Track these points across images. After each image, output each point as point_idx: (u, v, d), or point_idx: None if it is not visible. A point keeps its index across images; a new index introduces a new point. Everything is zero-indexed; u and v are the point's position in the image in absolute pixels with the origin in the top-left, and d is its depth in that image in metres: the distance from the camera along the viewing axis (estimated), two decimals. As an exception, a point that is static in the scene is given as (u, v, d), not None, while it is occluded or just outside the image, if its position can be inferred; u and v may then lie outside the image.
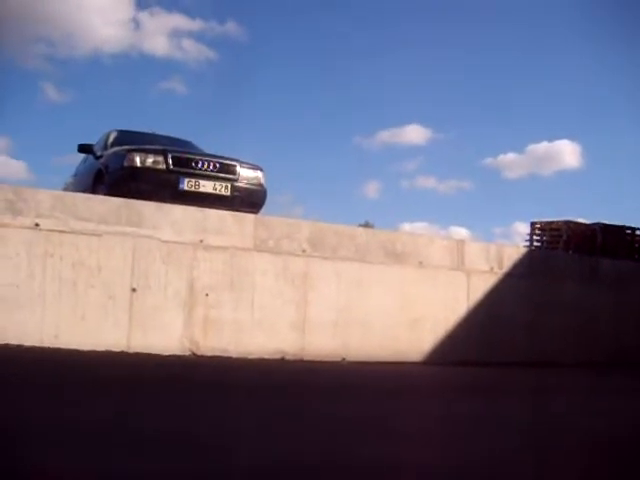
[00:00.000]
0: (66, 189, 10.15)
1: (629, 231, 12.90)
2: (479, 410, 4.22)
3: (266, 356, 7.34)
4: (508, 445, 2.94)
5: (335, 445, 2.78)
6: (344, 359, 7.76)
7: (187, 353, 7.03)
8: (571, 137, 49.96)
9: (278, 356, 7.43)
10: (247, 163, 8.61)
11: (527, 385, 6.46)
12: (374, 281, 8.18)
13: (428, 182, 47.76)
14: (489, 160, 53.47)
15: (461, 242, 9.07)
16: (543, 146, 47.25)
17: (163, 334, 7.00)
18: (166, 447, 2.60)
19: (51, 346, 6.31)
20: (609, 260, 10.87)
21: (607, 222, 12.63)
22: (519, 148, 65.75)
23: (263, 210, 8.78)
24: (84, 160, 10.02)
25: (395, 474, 2.26)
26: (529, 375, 7.66)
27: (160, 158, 8.04)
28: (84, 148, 9.40)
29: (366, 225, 18.28)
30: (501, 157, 55.42)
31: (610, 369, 8.71)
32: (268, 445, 2.73)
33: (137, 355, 6.60)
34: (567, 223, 12.32)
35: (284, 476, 2.26)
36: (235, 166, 8.44)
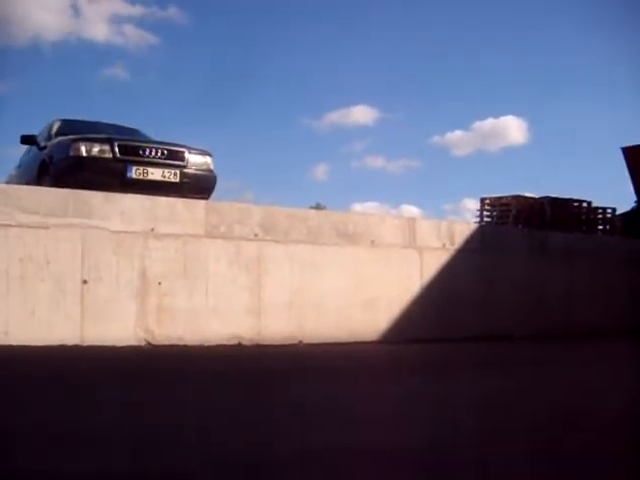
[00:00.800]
0: (9, 182, 9.92)
1: (576, 204, 13.17)
2: (431, 387, 4.27)
3: (223, 342, 7.31)
4: (459, 422, 2.98)
5: (295, 429, 2.79)
6: (301, 342, 7.77)
7: (142, 343, 6.97)
8: (516, 113, 50.64)
9: (235, 342, 7.41)
10: (195, 149, 8.52)
11: (478, 360, 6.56)
12: (327, 262, 8.20)
13: (377, 162, 48.00)
14: (436, 138, 53.95)
15: (412, 220, 9.14)
16: (489, 122, 47.87)
17: (117, 325, 6.91)
18: (134, 439, 2.58)
19: (1, 343, 6.19)
20: (558, 233, 11.08)
21: (554, 196, 12.88)
22: (465, 125, 66.38)
23: (213, 196, 8.73)
24: (27, 151, 9.81)
25: (349, 456, 2.28)
26: (481, 350, 7.77)
27: (106, 147, 7.90)
28: (27, 139, 9.18)
29: (317, 207, 18.32)
30: (448, 135, 55.95)
31: (561, 341, 8.89)
32: (236, 436, 2.72)
33: (90, 348, 6.51)
34: (516, 198, 12.51)
35: (247, 467, 2.26)
36: (183, 152, 8.35)
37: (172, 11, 42.26)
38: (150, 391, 3.96)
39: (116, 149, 7.92)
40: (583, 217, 13.20)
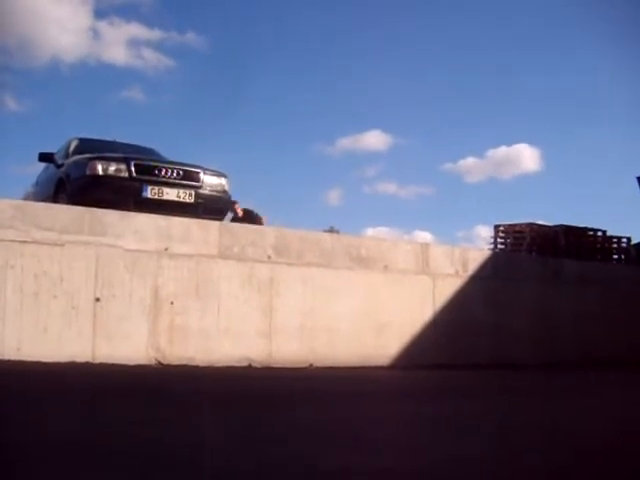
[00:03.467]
0: (26, 198, 10.01)
1: (590, 232, 13.13)
2: (441, 413, 4.24)
3: (233, 364, 7.30)
4: (468, 447, 2.96)
5: (309, 451, 2.77)
6: (311, 365, 7.75)
7: (153, 362, 6.97)
8: (530, 141, 50.63)
9: (245, 363, 7.41)
10: (211, 170, 8.58)
11: (490, 388, 6.50)
12: (340, 286, 8.20)
13: (389, 188, 47.96)
14: (449, 165, 53.99)
15: (425, 246, 9.14)
16: (502, 150, 47.90)
17: (128, 343, 6.93)
18: (142, 458, 2.57)
19: (13, 358, 6.21)
20: (572, 261, 11.03)
21: (569, 224, 12.84)
22: (479, 153, 66.44)
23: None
24: (45, 169, 9.90)
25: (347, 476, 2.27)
26: (493, 378, 7.70)
27: (122, 166, 7.98)
28: (45, 157, 9.27)
29: (331, 231, 18.29)
30: (461, 162, 55.90)
31: (573, 369, 8.81)
32: (240, 456, 2.71)
33: (101, 365, 6.52)
34: (530, 225, 12.48)
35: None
36: (199, 173, 8.40)
37: (190, 36, 42.66)
38: (160, 410, 3.95)
39: (132, 168, 7.98)
40: (598, 246, 13.15)
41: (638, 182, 16.65)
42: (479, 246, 12.38)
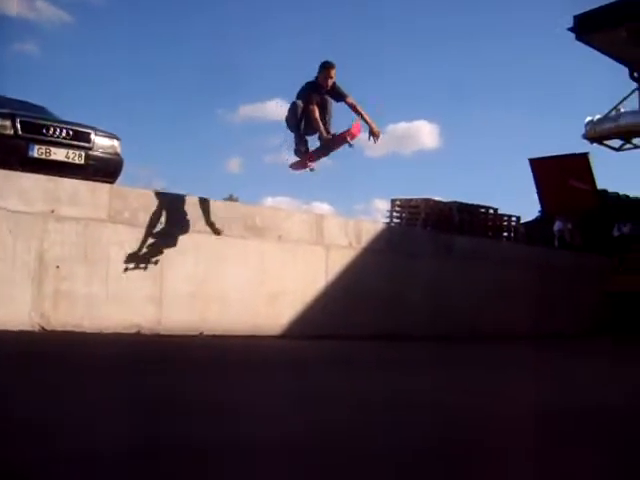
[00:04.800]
0: None
1: (483, 210, 13.51)
2: (320, 383, 4.28)
3: (121, 330, 7.14)
4: (335, 416, 2.99)
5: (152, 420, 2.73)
6: (202, 333, 7.68)
7: (36, 328, 6.74)
8: (429, 118, 51.68)
9: (134, 330, 7.26)
10: (103, 131, 8.31)
11: (377, 358, 6.61)
12: (233, 255, 8.13)
13: (290, 157, 47.83)
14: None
15: (320, 217, 9.18)
16: (402, 126, 48.66)
17: (10, 308, 6.65)
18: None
19: None
20: (464, 237, 11.34)
21: (463, 201, 13.17)
22: (379, 127, 67.10)
23: (120, 181, 8.53)
24: None
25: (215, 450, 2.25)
26: (383, 348, 7.85)
27: (7, 122, 7.60)
28: None
29: (230, 199, 18.19)
30: (363, 135, 56.48)
31: (463, 342, 9.08)
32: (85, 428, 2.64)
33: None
34: (426, 201, 12.72)
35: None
36: (90, 134, 8.12)
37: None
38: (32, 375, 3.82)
39: (18, 125, 7.63)
40: (489, 223, 13.54)
41: (530, 164, 17.28)
42: (377, 220, 12.52)
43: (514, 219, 14.00)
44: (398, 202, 12.94)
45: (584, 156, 16.99)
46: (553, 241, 15.84)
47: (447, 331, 9.67)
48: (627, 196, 19.92)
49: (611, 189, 19.24)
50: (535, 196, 17.07)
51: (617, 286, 13.42)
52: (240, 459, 2.08)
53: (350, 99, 7.87)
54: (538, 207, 17.61)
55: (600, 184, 17.17)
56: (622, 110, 21.73)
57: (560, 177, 16.27)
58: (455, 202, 13.00)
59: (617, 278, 13.67)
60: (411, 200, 12.85)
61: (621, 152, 23.67)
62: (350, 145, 7.74)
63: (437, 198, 13.10)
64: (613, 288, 13.43)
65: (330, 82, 7.78)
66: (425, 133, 57.78)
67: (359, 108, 7.86)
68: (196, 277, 7.81)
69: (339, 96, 7.85)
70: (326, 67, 7.80)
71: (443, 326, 9.77)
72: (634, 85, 16.97)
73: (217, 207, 8.24)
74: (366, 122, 7.82)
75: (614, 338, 11.50)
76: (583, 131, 23.05)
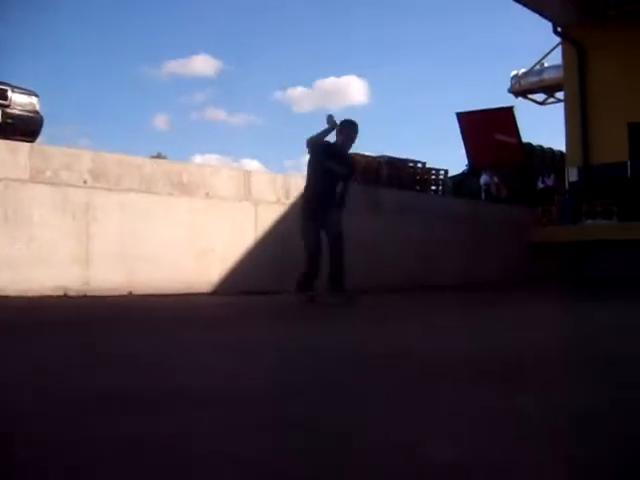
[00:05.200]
0: None
1: (411, 164, 13.63)
2: (249, 335, 4.32)
3: (47, 293, 7.02)
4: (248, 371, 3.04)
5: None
6: (131, 292, 7.62)
7: (-45, 293, 6.56)
8: (358, 73, 51.61)
9: (60, 292, 7.14)
10: (20, 88, 8.04)
11: (297, 312, 6.68)
12: (161, 213, 8.05)
13: (219, 114, 47.16)
14: (279, 94, 53.88)
15: (248, 173, 9.13)
16: (331, 81, 48.40)
17: None
18: None
19: None
20: (392, 191, 11.47)
21: (391, 155, 13.27)
22: (308, 82, 66.63)
23: (41, 140, 8.29)
24: None
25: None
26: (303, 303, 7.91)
27: None
28: None
29: (158, 157, 17.87)
30: (290, 91, 55.81)
31: (391, 293, 9.23)
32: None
33: None
34: (354, 155, 12.74)
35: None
36: (6, 91, 7.85)
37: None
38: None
39: None
40: (417, 177, 13.69)
41: (457, 118, 17.50)
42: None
43: (442, 173, 14.19)
44: (327, 158, 12.91)
45: (509, 110, 17.30)
46: (480, 194, 16.17)
47: (378, 283, 9.81)
48: (551, 149, 20.45)
49: (535, 142, 19.72)
50: (462, 150, 17.34)
51: (540, 237, 13.84)
52: (187, 407, 2.11)
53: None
54: (465, 161, 17.91)
55: (524, 137, 17.56)
56: (546, 65, 22.13)
57: (486, 131, 16.56)
58: (383, 156, 13.08)
59: (540, 230, 14.09)
60: (340, 155, 12.83)
61: (544, 106, 24.18)
62: None
63: (365, 153, 13.14)
64: (536, 239, 13.85)
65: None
66: (354, 88, 57.69)
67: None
68: (122, 236, 7.70)
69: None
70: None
71: (374, 279, 9.90)
72: (557, 40, 17.25)
73: (142, 164, 8.11)
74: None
75: (534, 286, 11.88)
76: (509, 85, 23.42)
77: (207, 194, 8.46)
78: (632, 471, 1.49)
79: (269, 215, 9.06)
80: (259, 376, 2.76)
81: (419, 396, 2.34)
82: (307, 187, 7.44)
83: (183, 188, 8.26)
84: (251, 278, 8.60)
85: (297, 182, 9.61)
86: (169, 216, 8.11)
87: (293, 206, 9.28)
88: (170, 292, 7.77)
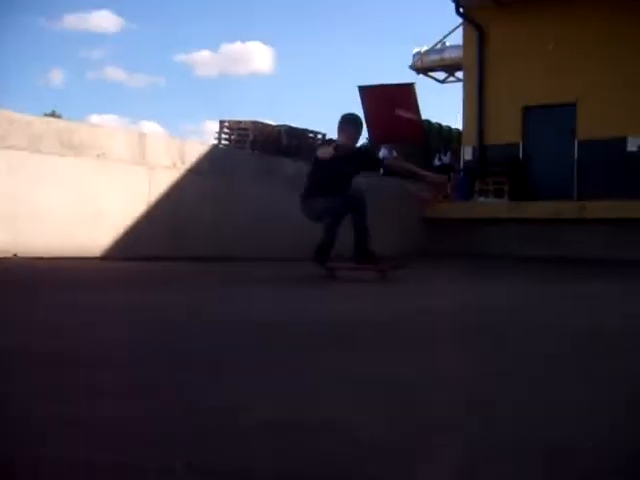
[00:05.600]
0: None
1: (311, 134, 13.72)
2: (123, 302, 4.27)
3: None
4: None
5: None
6: (15, 254, 7.36)
7: None
8: (264, 40, 51.00)
9: (-62, 253, 6.83)
10: None
11: (190, 278, 6.65)
12: (49, 173, 7.76)
13: (118, 74, 45.79)
14: (182, 56, 52.72)
15: (143, 136, 8.93)
16: (237, 46, 47.75)
17: None
18: None
19: None
20: (289, 160, 11.49)
21: (292, 125, 13.30)
22: (213, 46, 65.50)
23: None
24: None
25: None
26: (202, 268, 7.89)
27: None
28: None
29: (53, 115, 17.26)
30: (194, 54, 54.68)
31: (283, 261, 9.27)
32: None
33: None
34: (254, 123, 12.72)
35: None
36: None
37: None
38: None
39: None
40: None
41: (360, 92, 17.63)
42: (206, 141, 12.32)
43: (342, 145, 14.30)
44: (227, 124, 12.84)
45: (410, 86, 17.55)
46: (378, 168, 16.39)
47: (272, 252, 9.82)
48: (449, 127, 20.94)
49: (434, 120, 20.15)
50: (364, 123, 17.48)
51: (435, 213, 14.20)
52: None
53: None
54: (366, 134, 18.09)
55: (425, 114, 17.90)
56: (447, 44, 22.54)
57: (387, 106, 16.74)
58: (284, 125, 13.10)
59: (435, 206, 14.46)
60: (240, 122, 12.79)
61: (444, 84, 24.66)
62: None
63: (267, 121, 13.12)
64: (431, 215, 14.21)
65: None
66: (260, 55, 57.11)
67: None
68: (8, 196, 7.41)
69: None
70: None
71: (265, 247, 9.91)
72: (460, 20, 17.59)
73: (31, 122, 7.81)
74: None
75: (424, 261, 12.20)
76: (411, 62, 23.73)
77: (99, 156, 8.22)
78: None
79: (164, 180, 8.91)
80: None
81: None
82: (309, 187, 7.30)
83: (75, 149, 7.99)
84: (144, 243, 8.45)
85: (193, 147, 9.50)
86: (59, 177, 7.84)
87: (189, 171, 9.17)
88: (58, 255, 7.55)
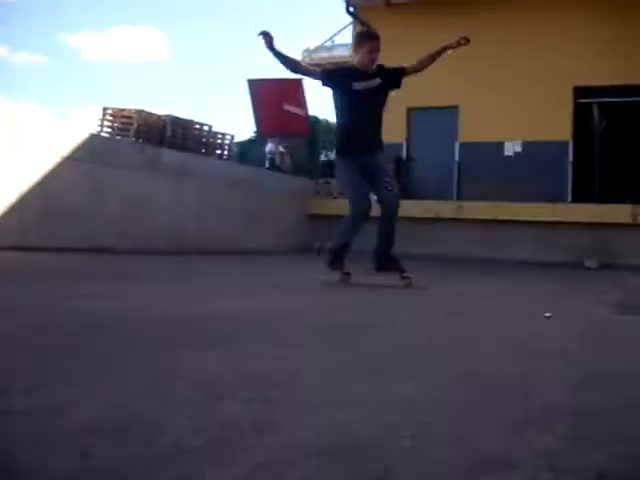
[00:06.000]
0: None
1: (197, 126, 13.48)
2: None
3: None
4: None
5: None
6: None
7: None
8: (156, 25, 49.78)
9: None
10: None
11: (56, 270, 6.39)
12: None
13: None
14: (68, 37, 50.70)
15: (17, 120, 8.48)
16: (126, 30, 46.36)
17: None
18: None
19: None
20: (172, 152, 11.26)
21: (178, 115, 13.03)
22: (100, 28, 63.37)
23: None
24: None
25: None
26: (71, 261, 7.59)
27: None
28: None
29: None
30: (81, 35, 52.61)
31: (158, 257, 9.07)
32: None
33: None
34: (139, 112, 12.34)
35: None
36: None
37: None
38: None
39: None
40: (203, 140, 13.57)
41: (249, 85, 17.49)
42: (92, 128, 11.83)
43: (228, 138, 14.18)
44: (110, 111, 12.40)
45: (298, 81, 17.55)
46: (264, 162, 16.36)
47: (146, 244, 9.61)
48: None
49: (321, 117, 20.30)
50: (252, 117, 17.37)
51: (316, 209, 14.27)
52: None
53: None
54: (254, 128, 18.00)
55: (312, 111, 17.99)
56: (336, 42, 22.74)
57: (275, 100, 16.70)
58: (169, 115, 12.80)
59: (317, 201, 14.54)
60: (124, 110, 12.38)
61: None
62: None
63: (152, 110, 12.77)
64: (313, 210, 14.27)
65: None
66: (151, 41, 55.58)
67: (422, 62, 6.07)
68: None
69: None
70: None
71: (142, 239, 9.70)
72: (349, 19, 17.76)
73: None
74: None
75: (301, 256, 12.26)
76: (300, 58, 23.78)
77: (-34, 139, 7.76)
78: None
79: (38, 167, 8.49)
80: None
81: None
82: (339, 127, 6.04)
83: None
84: (14, 232, 8.04)
85: (70, 135, 9.12)
86: None
87: (65, 159, 8.80)
88: None
